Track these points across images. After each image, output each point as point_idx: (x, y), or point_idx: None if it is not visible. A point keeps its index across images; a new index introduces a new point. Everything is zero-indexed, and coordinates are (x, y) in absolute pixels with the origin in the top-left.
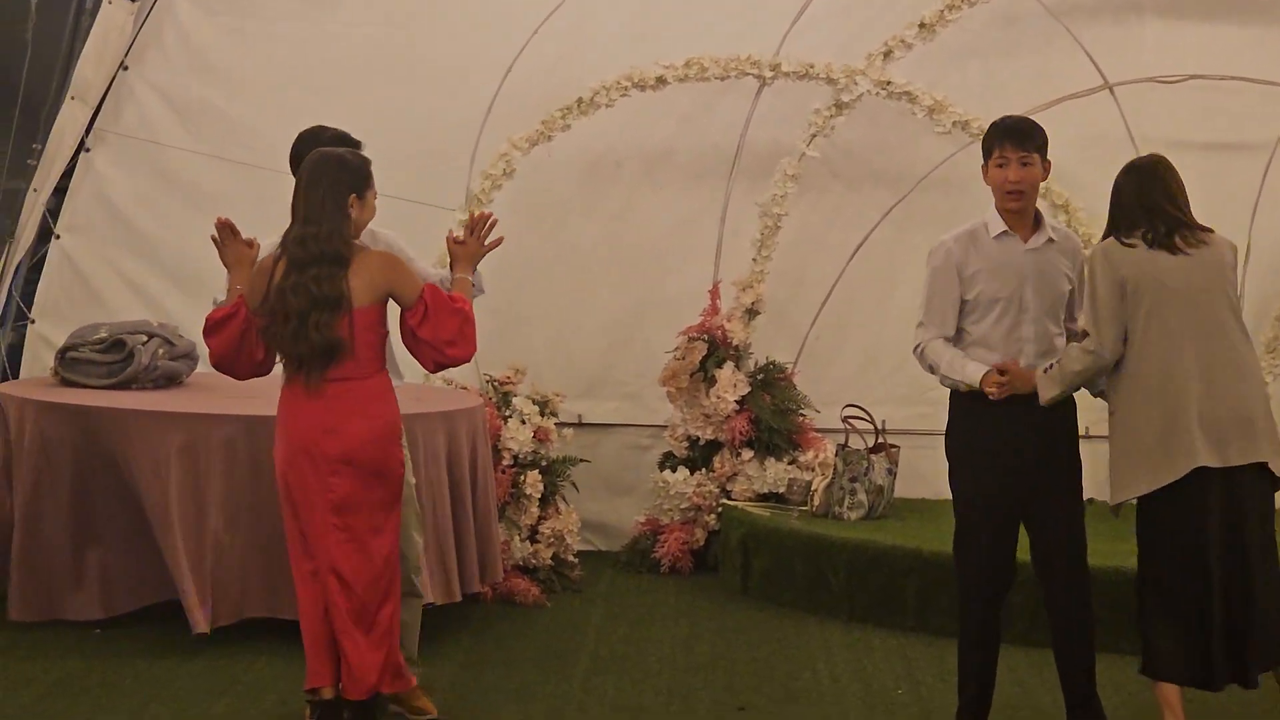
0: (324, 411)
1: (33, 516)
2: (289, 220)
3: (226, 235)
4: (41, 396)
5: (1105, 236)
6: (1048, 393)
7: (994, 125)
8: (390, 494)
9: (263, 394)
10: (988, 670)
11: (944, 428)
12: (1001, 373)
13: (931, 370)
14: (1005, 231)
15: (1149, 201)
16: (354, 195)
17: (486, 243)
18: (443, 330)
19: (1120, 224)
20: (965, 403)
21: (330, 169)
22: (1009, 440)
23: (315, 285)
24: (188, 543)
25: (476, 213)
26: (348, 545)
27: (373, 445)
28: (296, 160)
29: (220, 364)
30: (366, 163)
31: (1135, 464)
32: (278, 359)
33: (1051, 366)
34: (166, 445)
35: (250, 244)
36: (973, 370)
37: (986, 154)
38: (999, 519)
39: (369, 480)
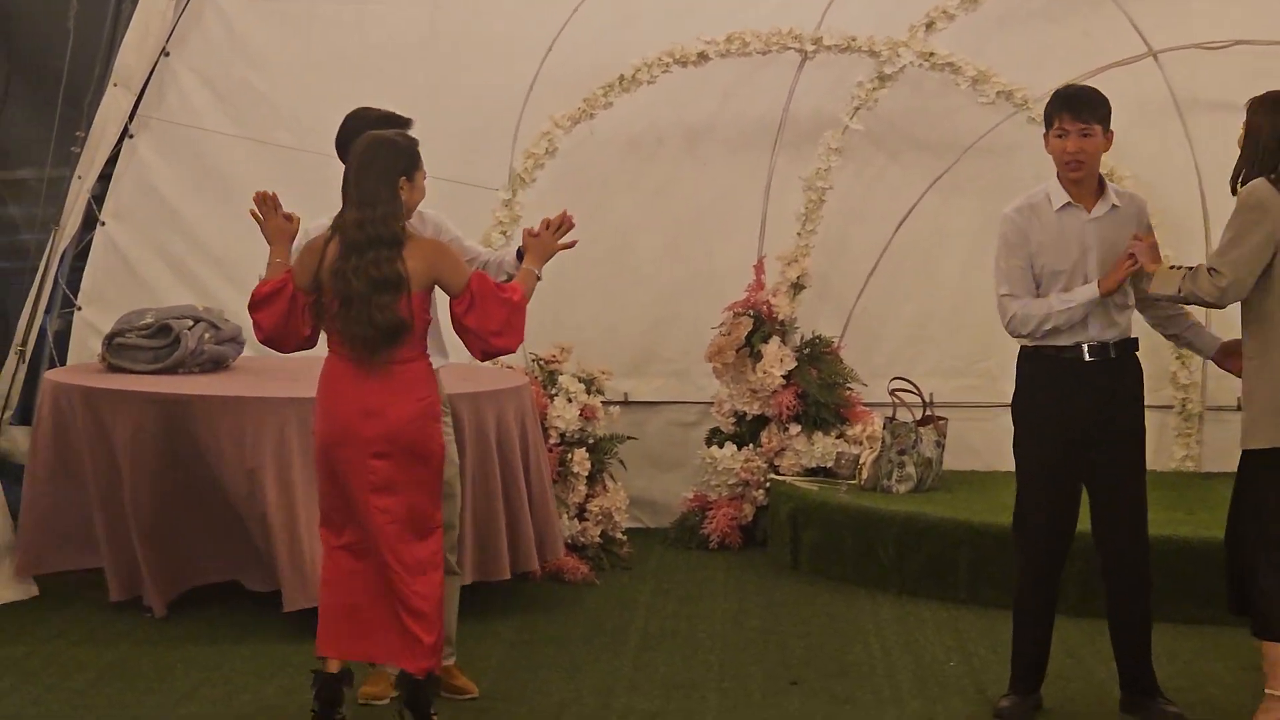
0: (368, 393)
1: (108, 500)
2: (333, 202)
3: (267, 209)
4: (91, 383)
5: (1239, 175)
6: (1159, 287)
7: (1055, 94)
8: (432, 474)
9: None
10: (1044, 640)
11: (991, 400)
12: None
13: (1040, 327)
14: (1069, 203)
15: None
16: (404, 178)
17: (560, 241)
18: (489, 320)
19: (1263, 164)
20: (1031, 369)
21: (382, 152)
22: (1075, 406)
23: (375, 268)
24: (253, 524)
25: (559, 213)
26: (393, 528)
27: (412, 427)
28: (344, 142)
29: (270, 339)
30: (415, 144)
31: (1270, 414)
32: (321, 336)
33: (1182, 268)
34: (220, 428)
35: (290, 218)
36: (1084, 289)
37: (1047, 123)
38: (1063, 485)
39: (409, 462)
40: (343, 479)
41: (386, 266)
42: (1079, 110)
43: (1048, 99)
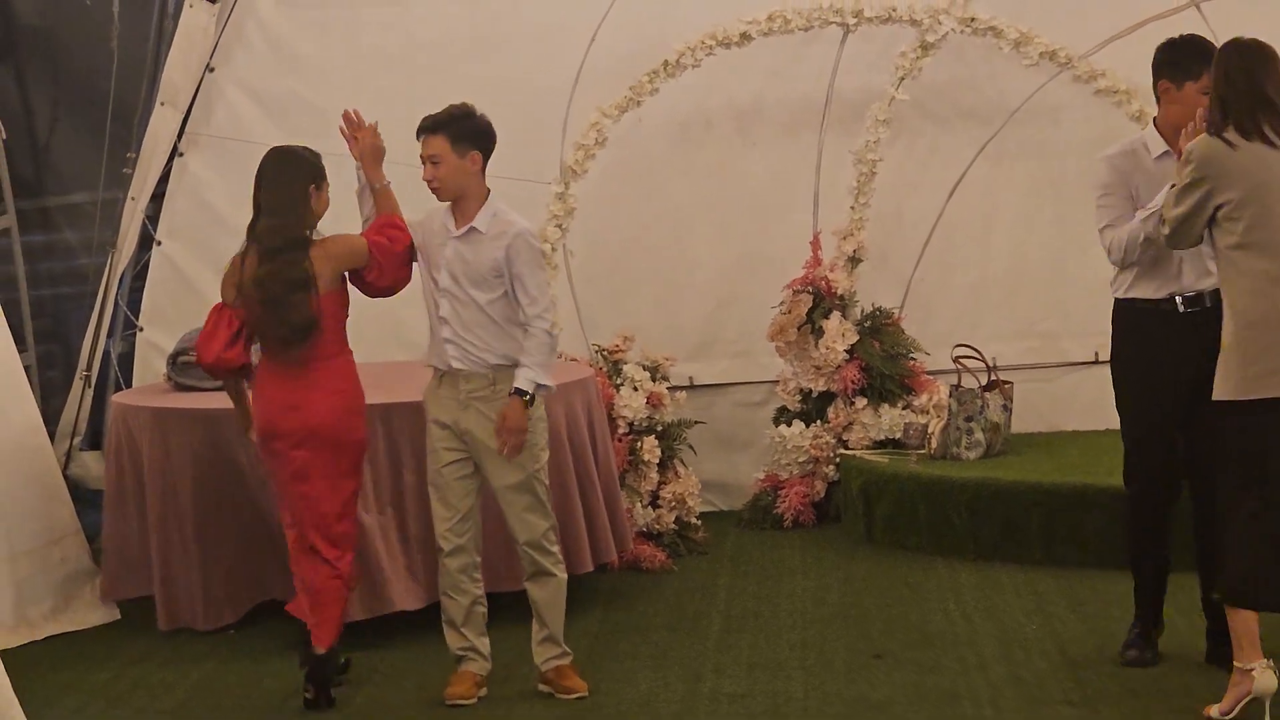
0: (290, 390)
1: (166, 524)
2: None
3: (354, 126)
4: (158, 403)
5: (1212, 124)
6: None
7: (1195, 46)
8: (351, 463)
9: (378, 384)
10: (1162, 587)
11: (1054, 360)
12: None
13: (1134, 243)
14: (1166, 152)
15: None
16: (312, 186)
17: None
18: (395, 276)
19: (1231, 114)
20: (1124, 322)
21: (290, 163)
22: (1172, 357)
23: (287, 269)
24: None
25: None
26: (312, 513)
27: (330, 419)
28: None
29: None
30: (319, 156)
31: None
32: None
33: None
34: None
35: (376, 132)
36: (1160, 193)
37: (1189, 74)
38: (1166, 435)
39: (328, 451)
40: (274, 469)
41: (296, 268)
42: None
43: (1091, 54)
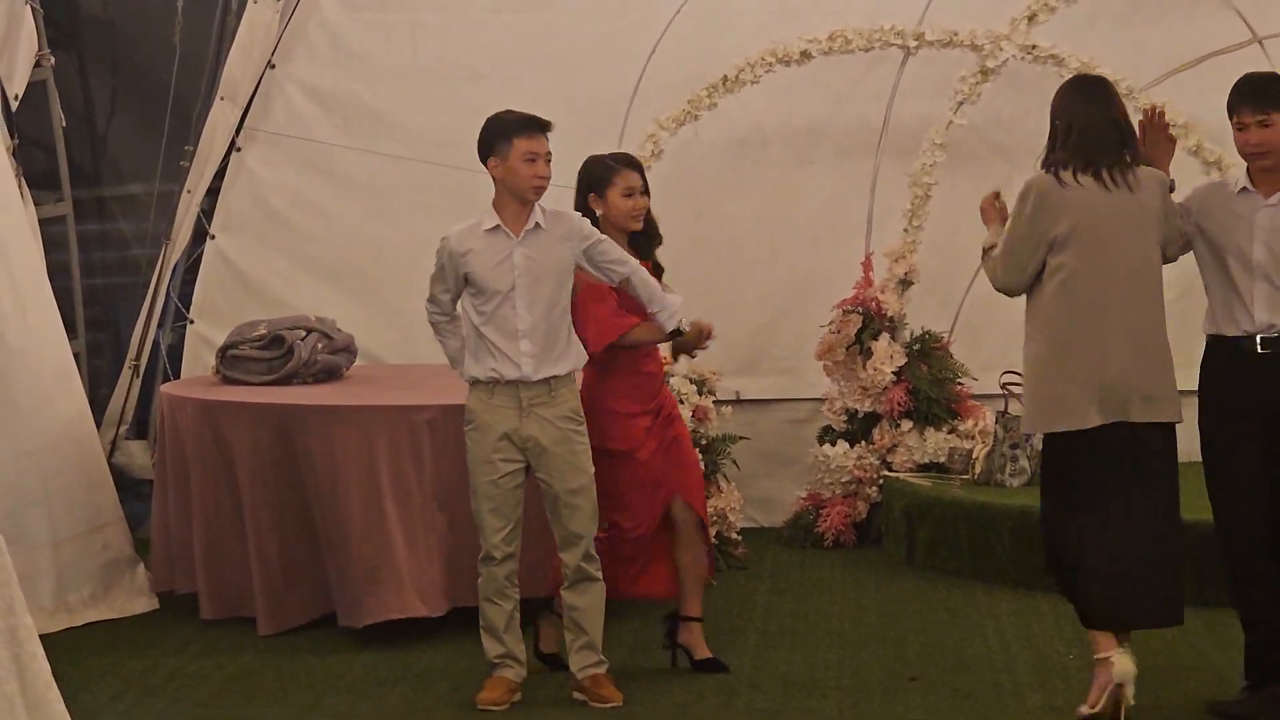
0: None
1: (211, 515)
2: (445, 209)
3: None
4: (206, 395)
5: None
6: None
7: (1234, 87)
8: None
9: (425, 384)
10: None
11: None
12: None
13: None
14: (1245, 188)
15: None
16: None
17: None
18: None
19: (1075, 154)
20: (1210, 361)
21: None
22: (1263, 397)
23: None
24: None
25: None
26: None
27: None
28: (487, 145)
29: None
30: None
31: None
32: None
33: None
34: (336, 439)
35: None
36: None
37: (1230, 115)
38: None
39: None
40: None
41: None
42: (1257, 101)
43: (1151, 88)
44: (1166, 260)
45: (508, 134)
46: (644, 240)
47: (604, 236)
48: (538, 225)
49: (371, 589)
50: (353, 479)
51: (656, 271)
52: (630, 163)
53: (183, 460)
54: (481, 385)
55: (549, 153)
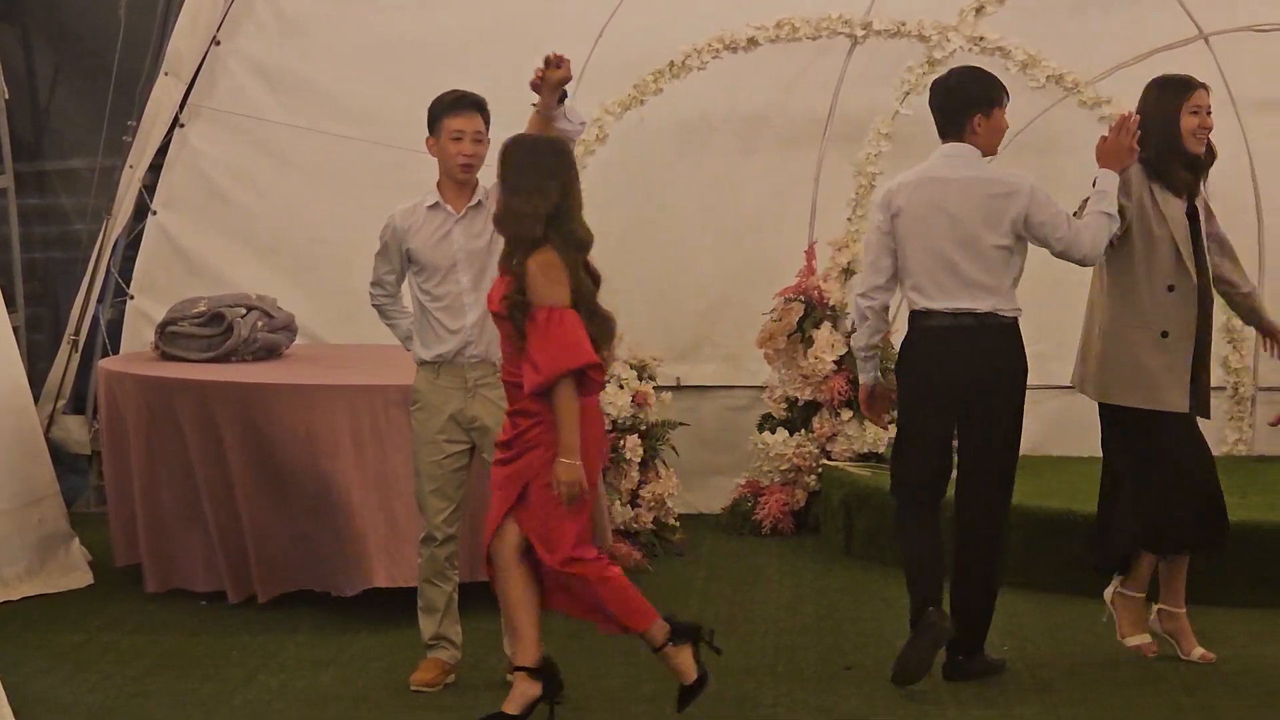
0: None
1: (151, 490)
2: (389, 188)
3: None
4: (144, 371)
5: None
6: None
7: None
8: None
9: (361, 363)
10: None
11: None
12: None
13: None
14: None
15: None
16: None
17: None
18: None
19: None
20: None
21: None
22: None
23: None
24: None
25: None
26: None
27: None
28: (427, 125)
29: None
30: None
31: None
32: None
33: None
34: (282, 416)
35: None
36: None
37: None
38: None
39: None
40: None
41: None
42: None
43: (1098, 81)
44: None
45: (439, 113)
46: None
47: None
48: (480, 203)
49: (354, 560)
50: (297, 456)
51: (595, 282)
52: (467, 103)
53: (123, 434)
54: (428, 365)
55: (479, 131)
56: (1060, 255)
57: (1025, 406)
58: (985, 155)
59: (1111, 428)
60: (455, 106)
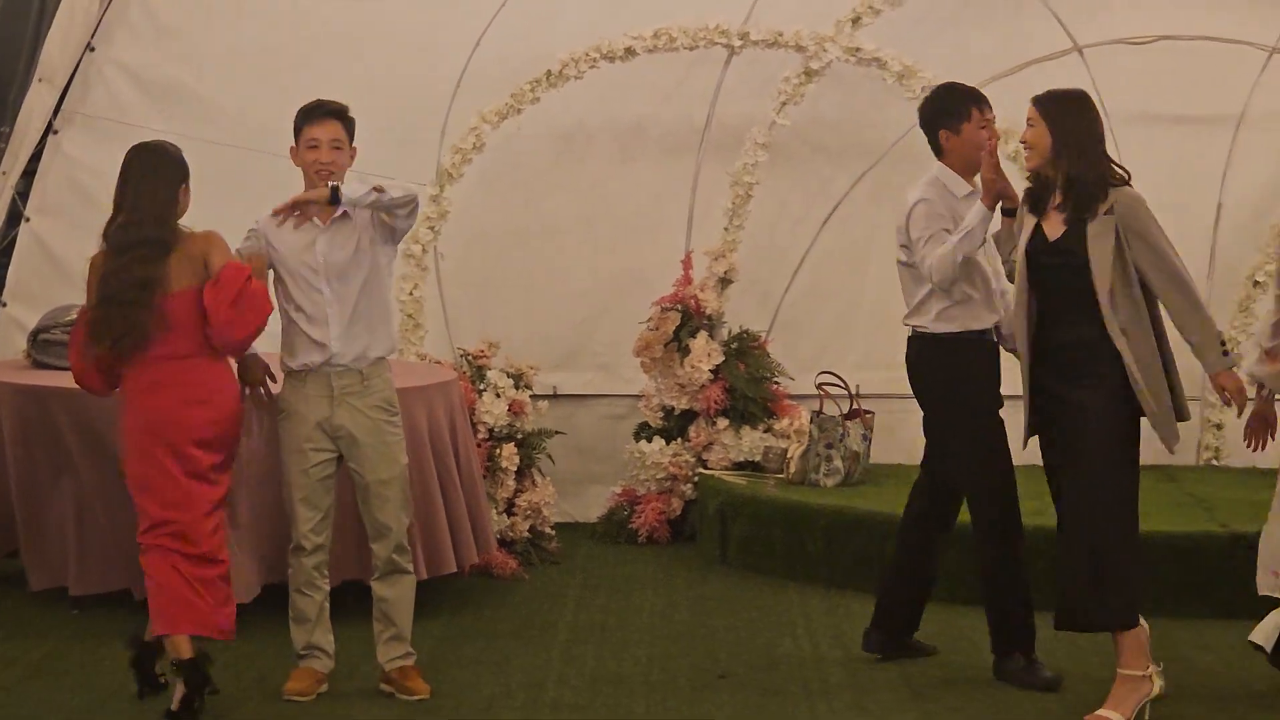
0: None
1: (28, 494)
2: (264, 196)
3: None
4: (15, 379)
5: None
6: None
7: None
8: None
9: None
10: None
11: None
12: None
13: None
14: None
15: None
16: (182, 186)
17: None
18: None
19: None
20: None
21: (162, 163)
22: None
23: (138, 267)
24: None
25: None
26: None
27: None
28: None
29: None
30: (180, 152)
31: None
32: None
33: None
34: None
35: None
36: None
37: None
38: None
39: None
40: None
41: (148, 266)
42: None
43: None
44: None
45: (299, 122)
46: None
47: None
48: (346, 214)
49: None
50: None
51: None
52: (323, 112)
53: None
54: (294, 374)
55: (336, 139)
56: None
57: (904, 417)
58: (970, 173)
59: None
60: (310, 115)
